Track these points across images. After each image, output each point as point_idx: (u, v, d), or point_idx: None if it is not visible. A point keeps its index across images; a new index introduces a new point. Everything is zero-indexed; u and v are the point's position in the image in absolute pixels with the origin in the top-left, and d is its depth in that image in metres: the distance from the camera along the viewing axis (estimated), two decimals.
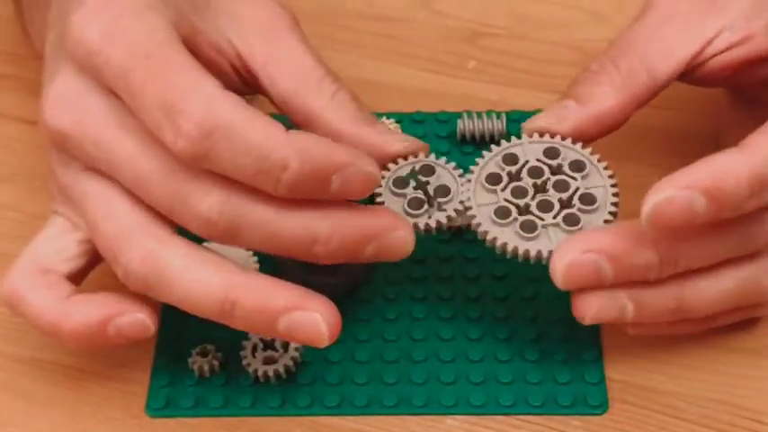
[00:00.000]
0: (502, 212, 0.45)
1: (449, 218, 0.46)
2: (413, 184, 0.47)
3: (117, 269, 0.44)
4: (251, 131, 0.41)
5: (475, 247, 0.51)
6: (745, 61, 0.47)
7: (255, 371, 0.47)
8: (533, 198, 0.46)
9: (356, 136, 0.46)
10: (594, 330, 0.48)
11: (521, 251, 0.44)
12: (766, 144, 0.42)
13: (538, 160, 0.46)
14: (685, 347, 0.47)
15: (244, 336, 0.47)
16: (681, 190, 0.41)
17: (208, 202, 0.42)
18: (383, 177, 0.47)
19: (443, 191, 0.47)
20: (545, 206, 0.45)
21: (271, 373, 0.47)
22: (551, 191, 0.46)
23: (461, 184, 0.46)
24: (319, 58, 0.48)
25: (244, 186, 0.42)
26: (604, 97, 0.47)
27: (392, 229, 0.43)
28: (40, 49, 0.51)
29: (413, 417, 0.46)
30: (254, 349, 0.47)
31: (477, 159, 0.47)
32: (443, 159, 0.47)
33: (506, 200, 0.46)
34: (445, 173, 0.47)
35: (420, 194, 0.46)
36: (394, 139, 0.47)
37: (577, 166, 0.46)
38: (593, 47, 0.59)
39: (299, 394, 0.47)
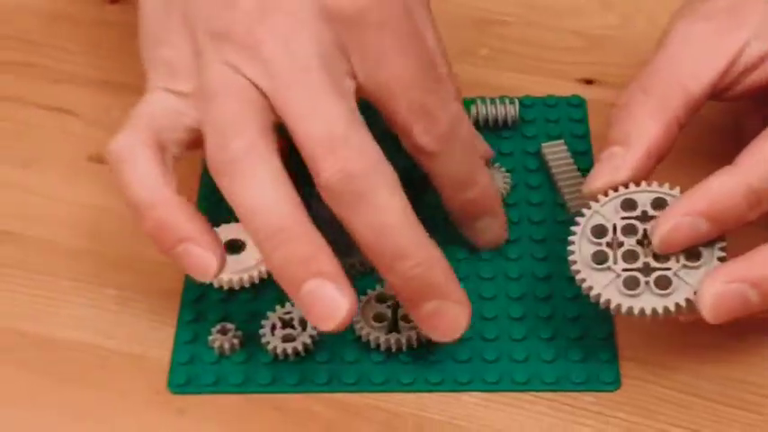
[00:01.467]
0: (631, 283, 0.45)
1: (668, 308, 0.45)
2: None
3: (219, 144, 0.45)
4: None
5: None
6: None
7: (274, 348, 0.48)
8: (647, 255, 0.46)
9: None
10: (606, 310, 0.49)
11: (668, 307, 0.45)
12: (755, 160, 0.45)
13: (622, 218, 0.46)
14: (700, 326, 0.47)
15: (263, 314, 0.48)
16: (682, 217, 0.44)
17: (361, 160, 0.44)
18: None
19: None
20: (661, 255, 0.45)
21: (289, 351, 0.48)
22: None
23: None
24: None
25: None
26: (646, 130, 0.47)
27: (461, 302, 0.46)
28: None
29: (429, 394, 0.47)
30: (273, 327, 0.48)
31: (569, 248, 0.46)
32: None
33: (625, 270, 0.45)
34: None
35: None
36: None
37: (659, 203, 0.46)
38: (600, 33, 0.61)
39: (317, 371, 0.48)
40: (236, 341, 0.48)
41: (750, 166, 0.45)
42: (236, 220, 0.50)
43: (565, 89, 0.58)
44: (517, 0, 0.63)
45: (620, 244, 0.46)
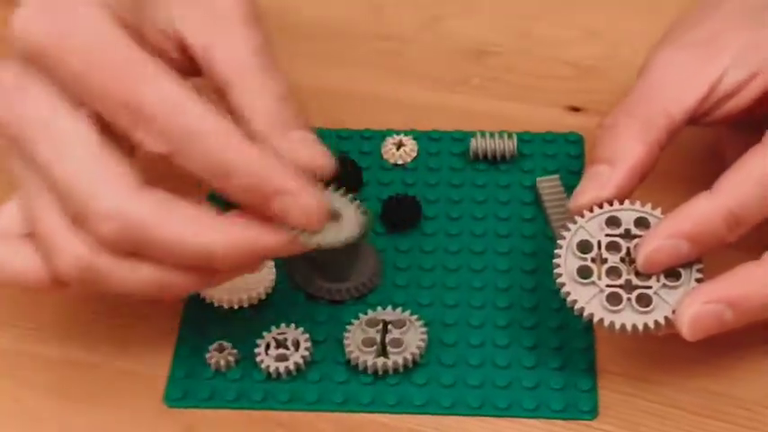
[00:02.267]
0: (614, 299, 0.47)
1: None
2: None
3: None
4: (215, 136, 0.42)
5: (481, 258, 0.53)
6: (756, 100, 0.50)
7: (268, 367, 0.50)
8: (629, 272, 0.47)
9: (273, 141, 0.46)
10: (589, 340, 0.51)
11: (648, 325, 0.46)
12: (733, 185, 0.47)
13: (607, 235, 0.48)
14: (683, 341, 0.47)
15: (259, 334, 0.50)
16: (665, 239, 0.46)
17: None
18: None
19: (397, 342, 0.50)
20: (643, 273, 0.47)
21: (282, 370, 0.50)
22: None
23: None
24: (264, 51, 0.48)
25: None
26: (630, 150, 0.49)
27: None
28: None
29: (412, 416, 0.49)
30: (268, 347, 0.50)
31: (555, 261, 0.47)
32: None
33: (608, 286, 0.47)
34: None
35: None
36: (307, 151, 0.47)
37: (641, 222, 0.48)
38: (588, 63, 0.63)
39: (307, 390, 0.50)
40: (231, 359, 0.50)
41: (729, 191, 0.47)
42: None
43: (553, 117, 0.59)
44: (507, 30, 0.64)
45: (604, 260, 0.48)
